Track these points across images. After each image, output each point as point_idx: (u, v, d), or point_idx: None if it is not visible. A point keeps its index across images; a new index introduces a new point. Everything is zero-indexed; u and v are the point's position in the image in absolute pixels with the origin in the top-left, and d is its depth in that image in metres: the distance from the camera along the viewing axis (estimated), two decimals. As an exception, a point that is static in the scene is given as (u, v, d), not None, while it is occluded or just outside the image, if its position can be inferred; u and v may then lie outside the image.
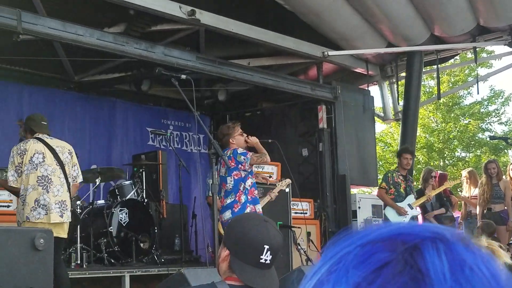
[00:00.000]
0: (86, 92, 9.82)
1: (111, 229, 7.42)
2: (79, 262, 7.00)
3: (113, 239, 7.41)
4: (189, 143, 11.11)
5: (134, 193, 8.07)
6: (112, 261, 7.38)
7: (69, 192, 5.77)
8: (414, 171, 11.39)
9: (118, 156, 9.92)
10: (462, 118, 22.24)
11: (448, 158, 22.65)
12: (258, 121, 10.91)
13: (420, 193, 8.92)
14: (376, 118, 11.36)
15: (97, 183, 7.43)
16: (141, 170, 8.43)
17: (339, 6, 8.88)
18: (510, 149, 17.88)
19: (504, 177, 9.28)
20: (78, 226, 6.81)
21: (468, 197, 9.75)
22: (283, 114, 10.56)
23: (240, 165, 6.13)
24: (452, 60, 12.94)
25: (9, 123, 8.18)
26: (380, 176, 9.65)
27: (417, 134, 13.42)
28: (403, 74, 10.88)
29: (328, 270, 0.64)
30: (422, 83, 12.24)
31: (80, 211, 7.20)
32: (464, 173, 10.23)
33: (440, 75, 11.56)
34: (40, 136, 5.77)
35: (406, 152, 8.59)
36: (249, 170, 6.21)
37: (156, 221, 8.15)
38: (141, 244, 7.66)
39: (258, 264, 2.24)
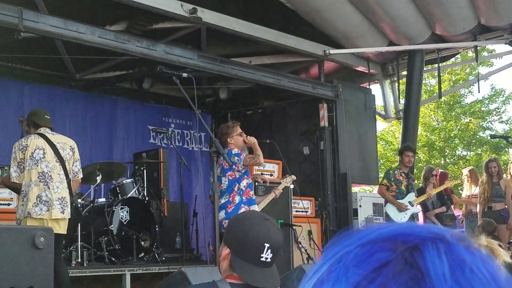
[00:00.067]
0: (87, 90, 9.82)
1: (112, 227, 7.41)
2: (79, 260, 6.99)
3: (114, 237, 7.40)
4: (191, 141, 11.11)
5: (135, 191, 8.06)
6: (113, 259, 7.38)
7: (69, 189, 5.77)
8: (415, 170, 11.37)
9: (119, 154, 9.90)
10: (463, 117, 22.25)
11: (449, 157, 22.65)
12: (259, 119, 10.91)
13: (421, 192, 8.92)
14: (377, 116, 11.34)
15: (98, 182, 7.41)
16: (142, 168, 8.41)
17: (340, 4, 8.88)
18: (511, 147, 17.86)
19: (504, 175, 9.29)
20: (79, 224, 6.80)
21: (468, 197, 9.75)
22: (284, 112, 10.55)
23: (234, 166, 6.13)
24: (453, 59, 12.94)
25: (11, 121, 8.14)
26: (381, 175, 9.64)
27: (418, 132, 13.41)
28: (404, 72, 10.88)
29: (329, 269, 0.64)
30: (423, 81, 12.21)
31: (81, 209, 7.17)
32: (465, 171, 10.25)
33: (441, 74, 11.54)
34: (42, 131, 5.76)
35: (408, 150, 8.60)
36: (243, 171, 6.21)
37: (157, 219, 8.15)
38: (142, 242, 7.66)
39: (258, 263, 2.24)
